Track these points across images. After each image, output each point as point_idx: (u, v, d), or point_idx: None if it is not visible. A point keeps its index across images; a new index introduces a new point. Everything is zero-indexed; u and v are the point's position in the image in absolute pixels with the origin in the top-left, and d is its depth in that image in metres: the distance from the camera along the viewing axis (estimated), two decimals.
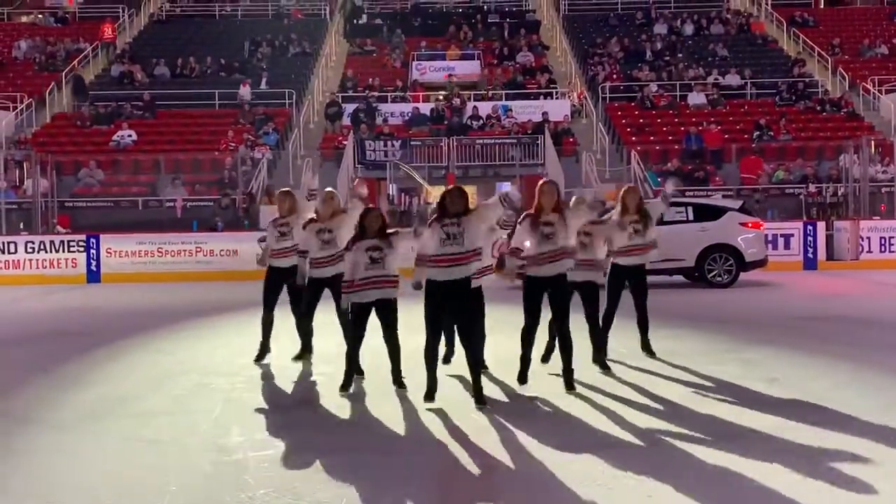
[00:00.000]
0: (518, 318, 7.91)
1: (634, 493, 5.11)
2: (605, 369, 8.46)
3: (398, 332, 7.73)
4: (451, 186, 7.45)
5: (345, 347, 8.06)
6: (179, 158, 25.02)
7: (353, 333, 7.80)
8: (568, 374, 7.73)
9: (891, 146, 24.34)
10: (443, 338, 7.86)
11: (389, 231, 7.63)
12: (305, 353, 9.20)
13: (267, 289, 9.31)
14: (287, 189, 9.73)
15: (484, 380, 7.63)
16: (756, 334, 10.82)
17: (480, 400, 7.17)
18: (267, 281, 9.33)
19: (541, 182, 7.87)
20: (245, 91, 28.21)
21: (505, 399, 7.53)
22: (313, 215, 8.80)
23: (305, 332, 9.14)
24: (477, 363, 7.35)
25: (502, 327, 8.88)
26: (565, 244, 7.62)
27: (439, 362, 7.57)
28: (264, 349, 9.35)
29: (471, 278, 7.18)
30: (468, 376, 7.40)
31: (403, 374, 7.83)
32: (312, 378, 8.59)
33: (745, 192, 22.91)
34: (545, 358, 8.71)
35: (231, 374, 8.80)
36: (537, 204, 7.67)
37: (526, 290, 7.74)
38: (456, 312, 7.25)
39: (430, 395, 7.24)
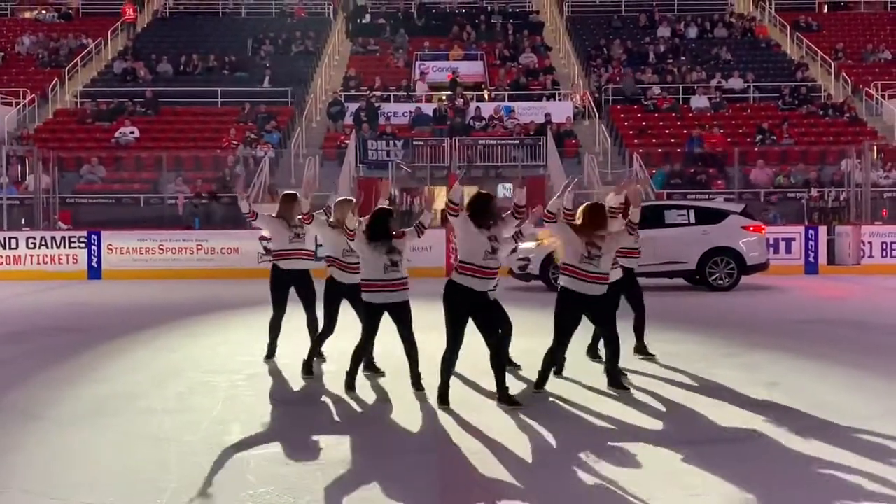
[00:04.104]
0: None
1: (634, 497, 5.11)
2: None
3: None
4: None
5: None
6: (181, 156, 25.00)
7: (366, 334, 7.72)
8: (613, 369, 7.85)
9: (893, 151, 24.35)
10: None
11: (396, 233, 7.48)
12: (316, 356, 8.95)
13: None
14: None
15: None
16: (757, 338, 10.82)
17: (505, 399, 7.12)
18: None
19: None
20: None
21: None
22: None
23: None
24: (502, 363, 7.30)
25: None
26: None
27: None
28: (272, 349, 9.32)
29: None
30: (468, 376, 7.39)
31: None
32: (315, 376, 8.58)
33: (747, 195, 22.91)
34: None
35: (232, 371, 8.81)
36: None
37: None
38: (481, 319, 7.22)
39: (443, 399, 7.17)
